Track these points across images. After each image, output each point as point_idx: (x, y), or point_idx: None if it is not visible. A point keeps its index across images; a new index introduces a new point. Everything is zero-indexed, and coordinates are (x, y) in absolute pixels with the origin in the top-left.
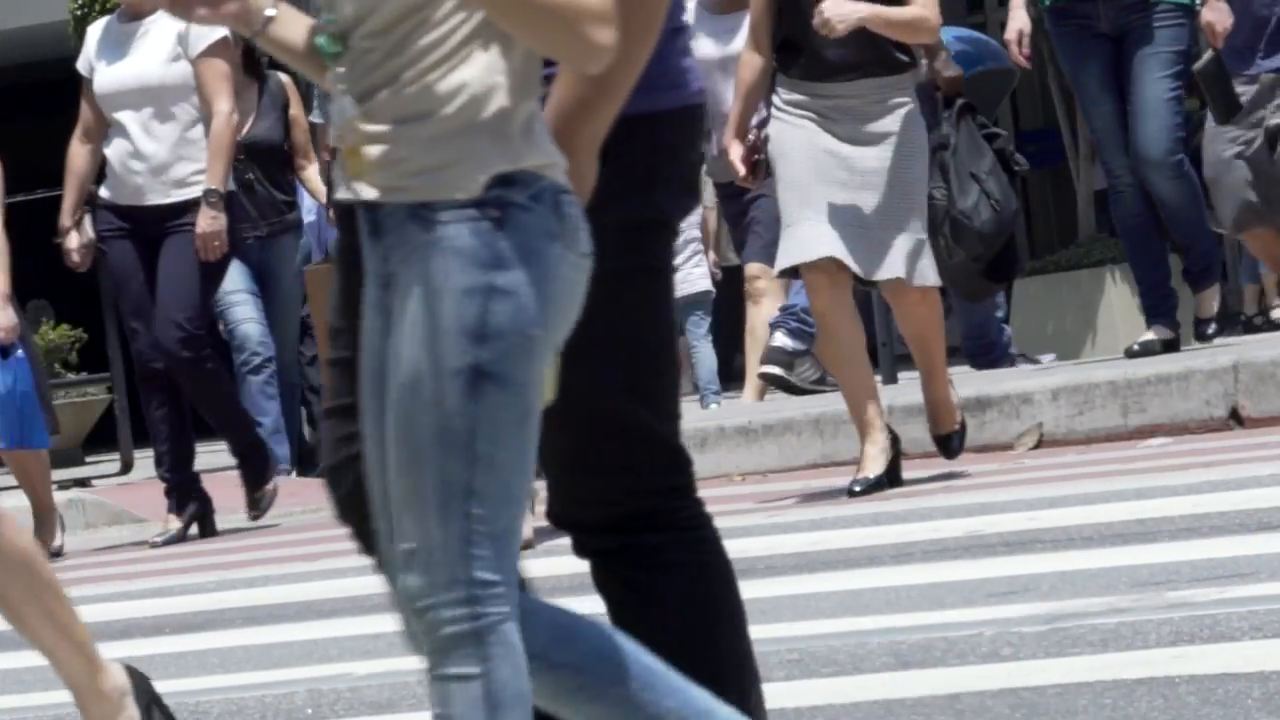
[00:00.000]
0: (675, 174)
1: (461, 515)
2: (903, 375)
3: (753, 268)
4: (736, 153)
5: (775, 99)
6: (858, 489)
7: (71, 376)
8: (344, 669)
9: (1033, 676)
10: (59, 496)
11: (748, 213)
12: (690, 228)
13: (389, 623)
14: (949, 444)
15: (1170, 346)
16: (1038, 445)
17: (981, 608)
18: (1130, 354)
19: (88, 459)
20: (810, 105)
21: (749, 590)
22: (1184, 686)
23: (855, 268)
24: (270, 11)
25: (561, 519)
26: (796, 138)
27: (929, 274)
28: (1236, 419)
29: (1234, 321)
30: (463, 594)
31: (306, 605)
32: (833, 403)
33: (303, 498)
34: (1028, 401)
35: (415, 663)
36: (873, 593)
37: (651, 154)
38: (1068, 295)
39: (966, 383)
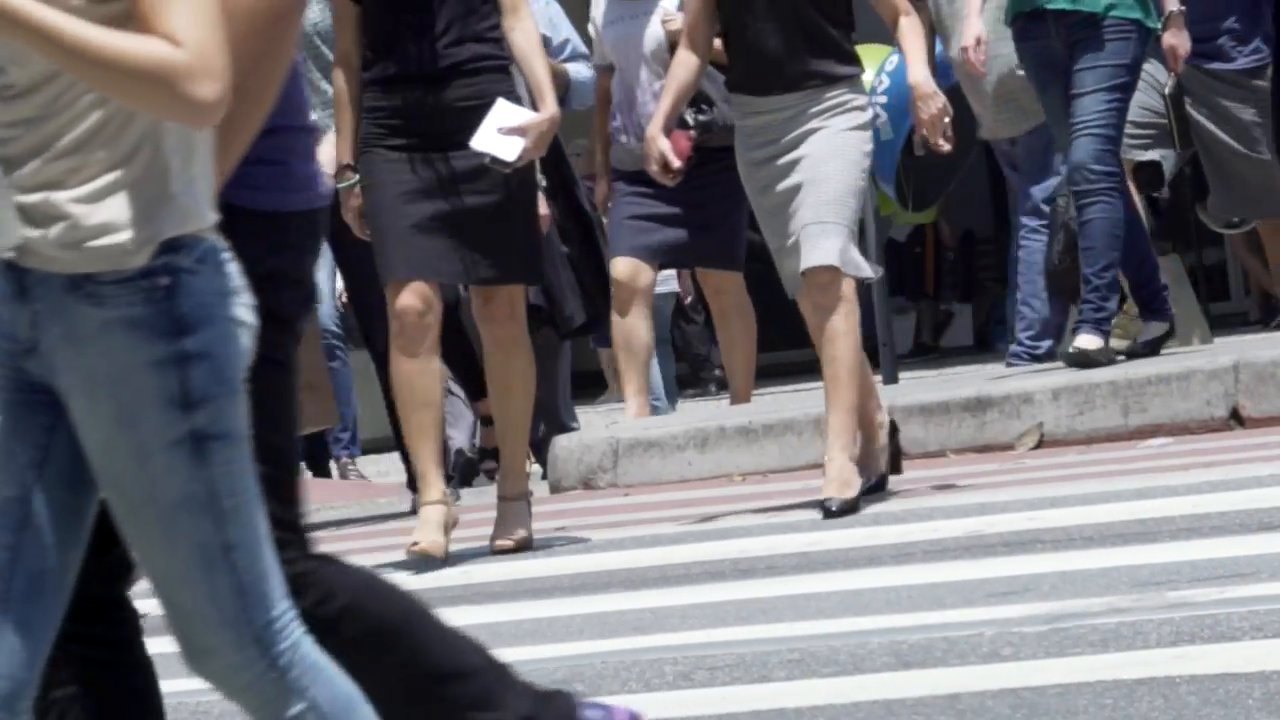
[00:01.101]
0: (299, 274)
1: (227, 571)
2: (903, 375)
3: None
4: (665, 144)
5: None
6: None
7: None
8: None
9: (1033, 676)
10: None
11: (654, 214)
12: None
13: None
14: (827, 507)
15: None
16: (1038, 445)
17: (982, 608)
18: (1129, 354)
19: None
20: (749, 124)
21: (750, 590)
22: (1184, 686)
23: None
24: None
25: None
26: (752, 176)
27: (858, 265)
28: (1237, 419)
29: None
30: (254, 649)
31: None
32: None
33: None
34: (1028, 401)
35: None
36: (873, 593)
37: (277, 255)
38: None
39: (968, 383)
